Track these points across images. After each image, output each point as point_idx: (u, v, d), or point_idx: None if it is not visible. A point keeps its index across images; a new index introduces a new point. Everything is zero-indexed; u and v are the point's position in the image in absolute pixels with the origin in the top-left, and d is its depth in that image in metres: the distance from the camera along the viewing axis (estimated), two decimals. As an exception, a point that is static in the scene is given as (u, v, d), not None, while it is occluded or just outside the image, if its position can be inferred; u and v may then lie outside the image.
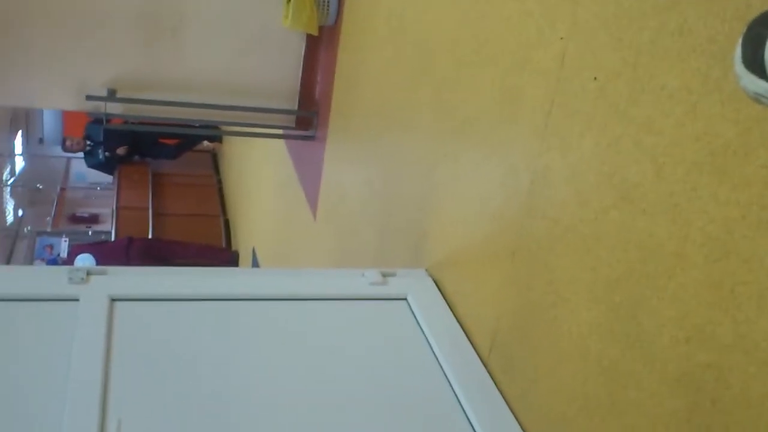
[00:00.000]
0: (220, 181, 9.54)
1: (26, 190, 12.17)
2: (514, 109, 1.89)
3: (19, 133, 12.43)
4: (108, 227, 9.54)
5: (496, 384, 1.92)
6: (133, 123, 7.17)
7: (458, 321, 2.14)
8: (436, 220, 2.37)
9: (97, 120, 3.93)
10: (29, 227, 10.98)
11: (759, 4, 1.14)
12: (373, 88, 3.10)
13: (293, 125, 4.24)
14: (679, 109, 1.31)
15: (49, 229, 10.28)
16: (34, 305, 1.89)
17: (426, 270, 2.39)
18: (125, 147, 8.65)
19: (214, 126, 4.48)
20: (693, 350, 1.27)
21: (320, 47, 4.02)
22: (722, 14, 1.21)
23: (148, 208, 8.48)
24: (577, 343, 1.59)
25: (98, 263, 6.62)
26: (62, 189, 11.88)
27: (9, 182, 11.57)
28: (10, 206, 11.59)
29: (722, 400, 1.21)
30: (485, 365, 1.98)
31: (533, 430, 1.76)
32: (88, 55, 3.75)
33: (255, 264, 6.49)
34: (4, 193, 11.39)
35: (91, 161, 8.86)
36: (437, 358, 1.97)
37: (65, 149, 8.73)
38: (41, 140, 13.52)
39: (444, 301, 2.23)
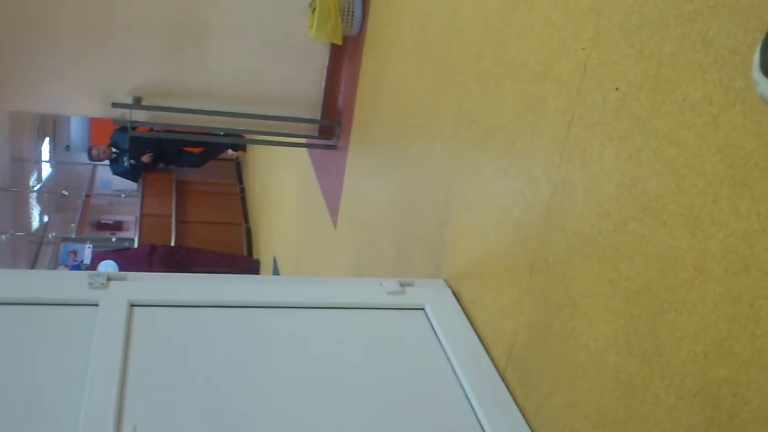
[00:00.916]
0: (243, 190, 9.59)
1: (52, 196, 12.33)
2: (535, 119, 1.89)
3: (47, 139, 12.59)
4: (131, 234, 9.62)
5: (512, 397, 1.91)
6: (158, 131, 7.25)
7: (476, 332, 2.13)
8: (455, 230, 2.37)
9: (123, 127, 3.97)
10: (54, 233, 11.11)
11: (782, 15, 1.13)
12: (395, 98, 3.10)
13: (316, 134, 4.25)
14: (700, 120, 1.30)
15: (73, 236, 10.40)
16: (54, 309, 1.90)
17: (444, 280, 2.39)
18: (149, 154, 8.73)
19: (237, 134, 4.51)
20: (711, 365, 1.25)
21: (344, 57, 4.04)
22: (745, 25, 1.20)
23: (171, 216, 8.53)
24: (595, 357, 1.58)
25: (121, 270, 6.67)
26: (87, 196, 12.03)
27: (35, 188, 11.72)
28: (36, 212, 11.73)
29: (740, 416, 1.19)
30: (502, 377, 1.97)
31: (549, 444, 1.74)
32: (114, 63, 3.79)
33: (276, 273, 6.51)
34: (31, 199, 11.53)
35: (117, 168, 8.97)
36: (454, 370, 1.96)
37: (92, 158, 8.84)
38: (68, 147, 13.70)
39: (462, 312, 2.22)
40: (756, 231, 1.17)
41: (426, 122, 2.69)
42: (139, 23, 3.73)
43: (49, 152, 12.87)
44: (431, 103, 2.65)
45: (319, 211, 4.61)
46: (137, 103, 3.87)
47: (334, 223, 4.20)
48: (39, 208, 11.90)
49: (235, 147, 9.82)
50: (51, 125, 12.89)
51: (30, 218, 11.40)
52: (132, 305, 1.95)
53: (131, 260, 7.02)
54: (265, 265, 7.29)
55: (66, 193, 11.74)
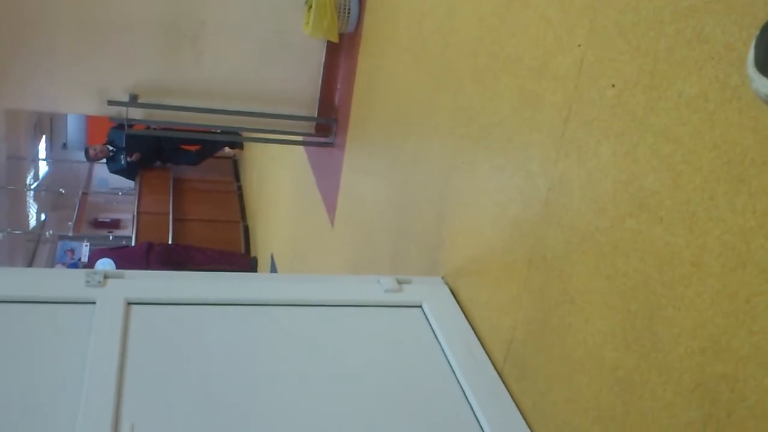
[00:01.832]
0: (240, 188, 9.58)
1: (49, 194, 12.31)
2: (531, 115, 1.89)
3: (43, 137, 12.57)
4: (129, 232, 9.60)
5: (510, 393, 1.91)
6: (155, 129, 7.23)
7: (473, 329, 2.13)
8: (452, 227, 2.37)
9: (120, 126, 3.97)
10: (51, 231, 11.10)
11: (778, 11, 1.13)
12: (392, 95, 3.10)
13: (313, 132, 4.25)
14: (696, 116, 1.30)
15: (70, 234, 10.38)
16: (51, 307, 1.90)
17: (442, 278, 2.39)
18: (137, 153, 8.71)
19: (234, 132, 4.50)
20: (708, 361, 1.25)
21: (340, 54, 4.04)
22: (740, 21, 1.20)
23: (168, 214, 8.51)
24: (592, 353, 1.58)
25: (118, 268, 6.66)
26: (84, 194, 12.00)
27: (32, 186, 11.70)
28: (33, 210, 11.71)
29: (737, 412, 1.19)
30: (500, 374, 1.97)
31: (547, 440, 1.75)
32: (111, 61, 3.79)
33: (273, 270, 6.50)
34: (28, 197, 11.52)
35: (114, 167, 8.95)
36: (451, 366, 1.96)
37: (89, 158, 8.82)
38: (65, 145, 13.68)
39: (459, 308, 2.22)
40: (753, 227, 1.17)
41: (423, 119, 2.69)
42: (135, 21, 3.73)
43: (46, 150, 12.85)
44: (428, 100, 2.65)
45: (316, 208, 4.61)
46: (133, 100, 3.86)
47: (331, 220, 4.20)
48: (36, 207, 11.87)
49: (233, 145, 9.80)
50: (48, 123, 12.87)
51: (27, 216, 11.38)
52: (129, 303, 1.95)
53: (128, 258, 7.01)
54: (263, 262, 7.29)
55: (63, 191, 11.73)
